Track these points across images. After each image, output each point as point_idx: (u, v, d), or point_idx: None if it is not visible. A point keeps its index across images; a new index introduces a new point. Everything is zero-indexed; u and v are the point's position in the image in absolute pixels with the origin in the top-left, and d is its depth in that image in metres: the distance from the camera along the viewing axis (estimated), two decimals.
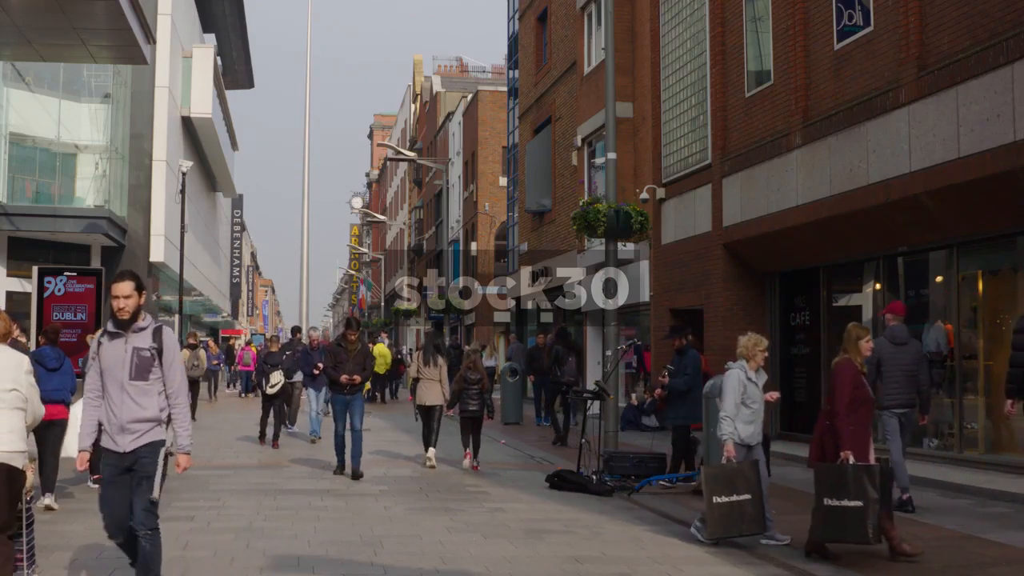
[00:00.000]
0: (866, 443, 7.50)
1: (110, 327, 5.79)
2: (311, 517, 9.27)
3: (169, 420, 5.78)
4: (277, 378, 16.20)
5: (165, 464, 5.77)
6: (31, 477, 5.79)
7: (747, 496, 7.88)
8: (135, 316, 5.72)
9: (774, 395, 8.88)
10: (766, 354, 8.49)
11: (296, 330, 21.13)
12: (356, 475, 12.02)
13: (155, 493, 5.64)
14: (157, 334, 5.74)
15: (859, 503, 7.16)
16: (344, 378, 12.28)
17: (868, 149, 12.59)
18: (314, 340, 17.59)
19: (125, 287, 5.66)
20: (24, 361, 5.79)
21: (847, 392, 7.45)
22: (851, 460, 7.31)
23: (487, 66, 59.41)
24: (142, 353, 5.68)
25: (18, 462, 5.59)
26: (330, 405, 13.47)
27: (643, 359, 20.35)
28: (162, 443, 5.72)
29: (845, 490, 7.22)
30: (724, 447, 8.11)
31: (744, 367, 8.30)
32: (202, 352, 24.31)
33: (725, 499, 7.89)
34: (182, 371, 5.87)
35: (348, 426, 12.47)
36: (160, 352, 5.73)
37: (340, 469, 12.42)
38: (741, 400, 8.18)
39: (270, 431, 16.14)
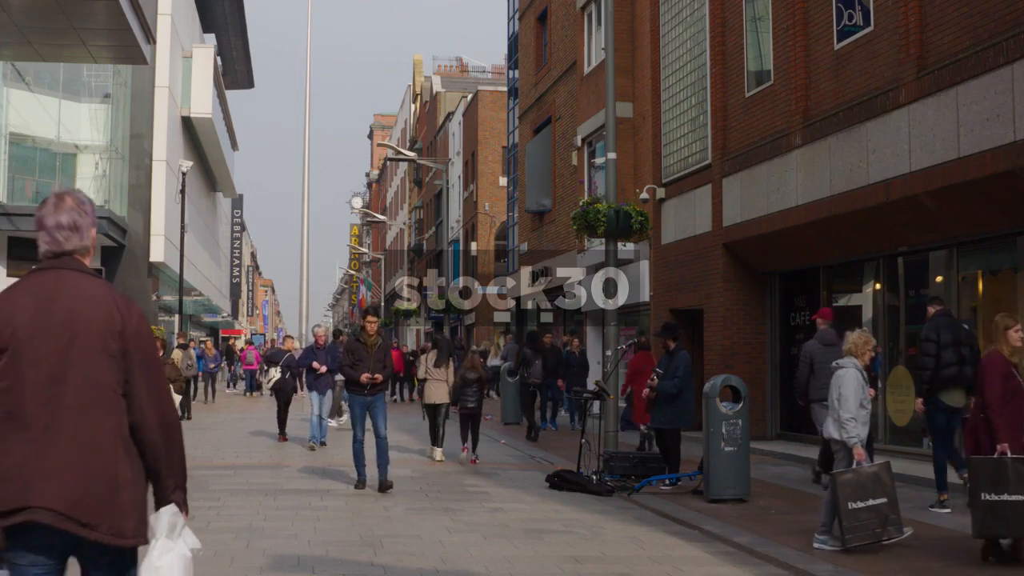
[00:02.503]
0: (1021, 434, 7.29)
1: None
2: (311, 517, 9.26)
3: None
4: (272, 375, 17.33)
5: None
6: None
7: (883, 499, 7.65)
8: None
9: (870, 391, 8.78)
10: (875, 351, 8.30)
11: (339, 332, 22.01)
12: (384, 487, 10.80)
13: None
14: None
15: (1021, 497, 6.98)
16: (365, 377, 10.87)
17: (868, 149, 12.59)
18: (320, 337, 16.96)
19: None
20: None
21: (998, 384, 7.29)
22: (1008, 453, 7.11)
23: (487, 66, 59.48)
24: None
25: None
26: (348, 408, 12.30)
27: None
28: None
29: (1005, 484, 7.01)
30: (854, 451, 7.81)
31: (858, 365, 8.05)
32: (192, 352, 24.44)
33: (862, 504, 7.64)
34: None
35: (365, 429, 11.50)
36: None
37: (362, 484, 11.03)
38: (860, 401, 7.93)
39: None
